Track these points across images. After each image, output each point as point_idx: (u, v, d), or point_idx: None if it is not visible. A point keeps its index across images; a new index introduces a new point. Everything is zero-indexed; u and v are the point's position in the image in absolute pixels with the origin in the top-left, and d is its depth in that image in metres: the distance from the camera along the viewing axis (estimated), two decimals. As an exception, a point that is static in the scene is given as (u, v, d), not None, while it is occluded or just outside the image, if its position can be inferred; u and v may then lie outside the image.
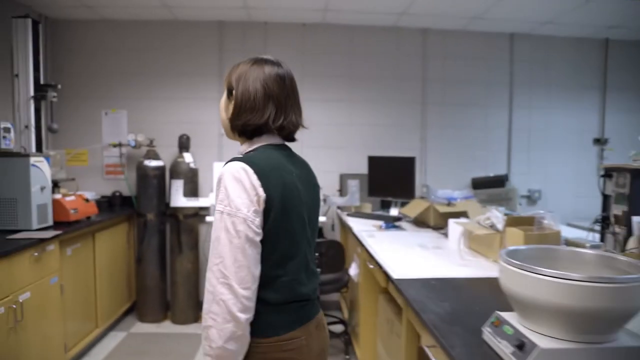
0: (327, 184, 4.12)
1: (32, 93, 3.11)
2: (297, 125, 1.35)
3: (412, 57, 4.40)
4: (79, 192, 3.85)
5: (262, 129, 1.28)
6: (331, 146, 4.35)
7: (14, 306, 2.35)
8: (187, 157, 3.94)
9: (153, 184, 3.90)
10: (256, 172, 1.17)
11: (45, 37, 3.88)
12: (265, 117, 1.25)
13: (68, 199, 3.19)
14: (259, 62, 1.30)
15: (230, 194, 1.15)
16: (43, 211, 2.92)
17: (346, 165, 4.35)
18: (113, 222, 3.76)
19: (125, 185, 4.15)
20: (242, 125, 1.27)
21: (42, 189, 2.90)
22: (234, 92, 1.27)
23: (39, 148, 3.21)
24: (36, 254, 2.58)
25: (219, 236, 1.14)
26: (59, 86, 3.20)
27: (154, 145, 4.00)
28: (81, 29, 4.12)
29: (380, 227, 3.22)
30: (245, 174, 1.16)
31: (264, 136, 1.30)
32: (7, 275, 2.34)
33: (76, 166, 4.15)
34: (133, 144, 3.93)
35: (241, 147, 1.33)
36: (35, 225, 2.83)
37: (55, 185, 3.20)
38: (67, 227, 3.05)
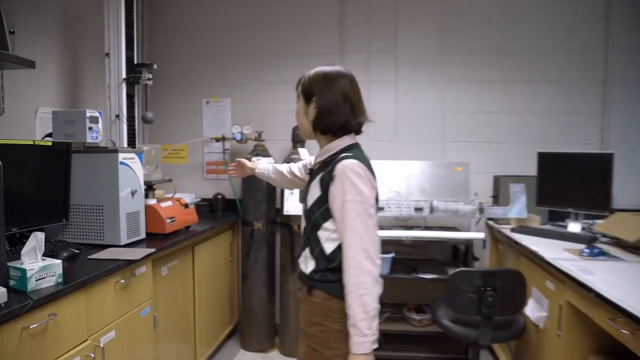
0: (477, 188, 3.15)
1: (124, 75, 2.52)
2: (365, 121, 1.54)
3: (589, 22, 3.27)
4: (177, 195, 3.27)
5: (345, 127, 1.47)
6: (479, 140, 3.36)
7: (92, 355, 1.71)
8: (303, 153, 3.18)
9: (261, 186, 3.21)
10: (367, 167, 1.43)
11: (140, 14, 3.33)
12: (346, 117, 1.46)
13: (164, 205, 2.57)
14: (330, 69, 1.50)
15: (358, 185, 1.37)
16: (134, 221, 2.30)
17: (502, 164, 3.34)
18: (215, 232, 3.11)
19: (230, 186, 3.51)
20: (329, 125, 1.47)
21: (133, 193, 2.28)
22: (314, 97, 1.47)
23: (131, 142, 2.63)
24: (123, 280, 1.94)
25: (356, 221, 1.36)
26: (155, 66, 2.58)
27: (262, 138, 3.31)
28: (180, 4, 3.54)
29: (580, 254, 2.21)
30: (362, 169, 1.40)
31: (345, 133, 1.49)
32: (86, 312, 1.71)
33: (173, 164, 3.59)
34: (239, 137, 3.26)
35: (332, 144, 1.49)
36: (124, 240, 2.22)
37: (150, 187, 2.59)
38: (162, 240, 2.42)
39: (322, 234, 1.45)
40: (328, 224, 1.44)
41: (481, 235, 2.87)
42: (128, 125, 2.59)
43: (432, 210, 2.94)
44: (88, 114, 2.25)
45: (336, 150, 1.47)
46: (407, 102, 3.39)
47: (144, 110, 2.58)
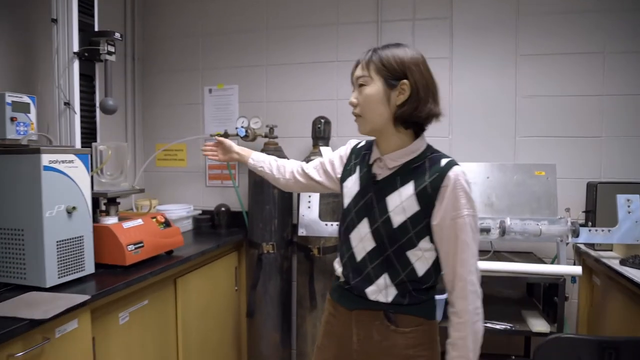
0: (564, 200, 2.27)
1: (75, 48, 1.85)
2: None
3: None
4: (164, 208, 2.59)
5: (430, 121, 1.25)
6: (565, 133, 2.45)
7: None
8: (326, 152, 2.42)
9: (272, 195, 2.47)
10: None
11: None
12: (438, 108, 1.24)
13: (128, 225, 1.88)
14: (407, 46, 1.24)
15: (472, 198, 1.19)
16: (72, 251, 1.61)
17: (599, 166, 2.42)
18: (211, 255, 2.40)
19: (235, 195, 2.80)
20: (420, 116, 1.21)
21: (70, 211, 1.59)
22: (406, 80, 1.19)
23: (88, 139, 1.95)
24: (23, 353, 1.25)
25: (472, 239, 1.18)
26: (118, 35, 1.89)
27: (274, 135, 2.57)
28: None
29: None
30: (467, 176, 1.21)
31: (423, 130, 1.28)
32: None
33: (170, 167, 2.92)
34: (243, 133, 2.53)
35: (415, 144, 1.25)
36: (52, 280, 1.53)
37: (112, 201, 1.91)
38: (122, 275, 1.73)
39: (412, 254, 1.23)
40: (423, 243, 1.23)
41: (578, 270, 2.00)
42: (84, 116, 1.92)
43: (504, 232, 2.09)
44: (9, 99, 1.58)
45: (420, 151, 1.26)
46: (466, 84, 2.53)
47: (105, 94, 1.90)
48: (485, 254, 2.32)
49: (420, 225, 1.21)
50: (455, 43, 2.53)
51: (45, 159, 1.51)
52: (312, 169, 1.54)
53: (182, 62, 2.87)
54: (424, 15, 2.55)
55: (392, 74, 1.19)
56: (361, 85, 1.24)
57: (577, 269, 1.99)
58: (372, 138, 1.35)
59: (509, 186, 2.26)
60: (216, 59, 2.82)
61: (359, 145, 1.43)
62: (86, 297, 1.46)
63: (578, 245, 2.36)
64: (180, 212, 2.65)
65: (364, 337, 1.28)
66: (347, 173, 1.39)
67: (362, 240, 1.27)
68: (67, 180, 1.59)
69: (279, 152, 2.53)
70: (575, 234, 2.07)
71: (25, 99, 1.65)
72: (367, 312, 1.28)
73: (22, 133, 1.64)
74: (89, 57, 1.90)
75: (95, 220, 1.85)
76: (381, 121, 1.23)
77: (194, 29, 2.84)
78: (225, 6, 2.79)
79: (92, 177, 1.88)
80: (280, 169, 1.60)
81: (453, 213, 1.17)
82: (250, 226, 2.57)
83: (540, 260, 2.32)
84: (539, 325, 2.03)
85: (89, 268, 1.69)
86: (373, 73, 1.21)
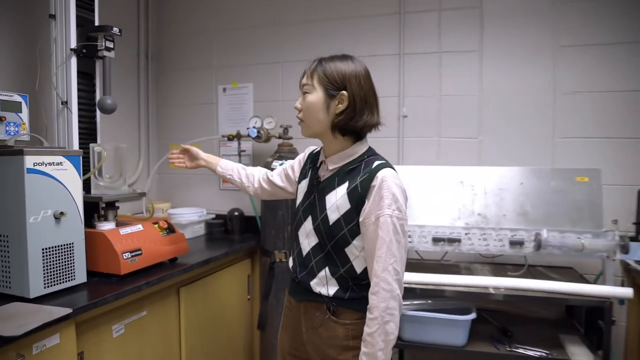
0: (611, 210, 2.00)
1: (73, 44, 1.75)
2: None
3: None
4: (176, 212, 2.49)
5: (370, 129, 1.33)
6: (613, 134, 2.18)
7: None
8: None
9: (284, 201, 2.31)
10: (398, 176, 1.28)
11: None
12: (376, 117, 1.32)
13: (126, 231, 1.76)
14: (351, 59, 1.32)
15: (398, 199, 1.23)
16: (61, 259, 1.50)
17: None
18: (222, 262, 2.27)
19: (249, 200, 2.66)
20: (357, 125, 1.29)
21: (58, 216, 1.49)
22: (345, 92, 1.27)
23: (87, 140, 1.85)
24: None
25: (391, 238, 1.21)
26: (116, 29, 1.78)
27: (289, 136, 2.42)
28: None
29: None
30: (400, 181, 1.27)
31: (364, 136, 1.35)
32: None
33: (183, 170, 2.81)
34: (254, 133, 2.39)
35: (352, 148, 1.33)
36: (36, 290, 1.43)
37: (110, 206, 1.80)
38: (116, 284, 1.62)
39: (350, 252, 1.30)
40: (357, 241, 1.29)
41: (628, 292, 1.74)
42: (83, 116, 1.82)
43: (539, 245, 1.86)
44: (-3, 97, 1.50)
45: (357, 155, 1.34)
46: (497, 80, 2.30)
47: (104, 92, 1.79)
48: (519, 268, 2.08)
49: (352, 223, 1.27)
50: (485, 35, 2.30)
51: (29, 160, 1.41)
52: (276, 175, 1.64)
53: (196, 60, 2.76)
54: (451, 4, 2.34)
55: (333, 84, 1.28)
56: (305, 93, 1.33)
57: (628, 291, 1.73)
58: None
59: (545, 194, 2.02)
60: (230, 56, 2.70)
61: (315, 151, 1.52)
62: (67, 311, 1.35)
63: (627, 262, 2.09)
64: (191, 216, 2.54)
65: (310, 328, 1.37)
66: (302, 176, 1.49)
67: (307, 236, 1.37)
68: (55, 183, 1.49)
69: (293, 154, 2.37)
70: (624, 249, 1.82)
71: (16, 97, 1.56)
72: (312, 304, 1.36)
73: (11, 133, 1.55)
74: (87, 54, 1.79)
75: (91, 225, 1.75)
76: (320, 127, 1.32)
77: (207, 25, 2.73)
78: (239, 1, 2.67)
79: (89, 180, 1.79)
80: (250, 177, 1.69)
81: (377, 212, 1.22)
82: (262, 233, 2.43)
83: (582, 278, 2.06)
84: (580, 353, 1.78)
85: (80, 277, 1.59)
86: (316, 82, 1.30)
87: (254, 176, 1.69)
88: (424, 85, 2.38)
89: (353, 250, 1.29)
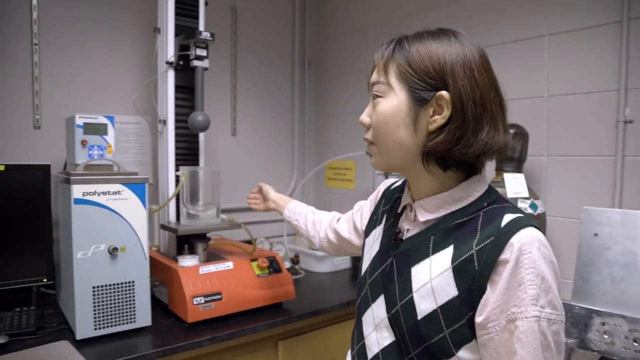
0: None
1: (169, 55, 1.60)
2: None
3: None
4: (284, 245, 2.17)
5: (486, 156, 0.78)
6: None
7: None
8: (513, 182, 1.50)
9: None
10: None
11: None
12: (504, 131, 0.79)
13: (207, 269, 1.51)
14: (454, 35, 0.79)
15: (551, 287, 0.69)
16: (115, 300, 1.34)
17: None
18: (340, 314, 1.81)
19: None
20: (476, 152, 0.75)
21: (113, 251, 1.32)
22: (447, 92, 0.74)
23: (186, 161, 1.68)
24: None
25: (540, 358, 0.67)
26: (207, 34, 1.54)
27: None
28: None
29: None
30: (549, 248, 0.72)
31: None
32: None
33: (337, 189, 2.47)
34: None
35: (460, 189, 0.80)
36: (85, 331, 1.29)
37: (201, 238, 1.58)
38: (185, 333, 1.39)
39: None
40: (467, 353, 0.73)
41: None
42: (181, 134, 1.66)
43: None
44: (79, 121, 1.44)
45: (470, 200, 0.79)
46: None
47: (201, 107, 1.57)
48: None
49: (459, 321, 0.72)
50: None
51: (78, 190, 1.28)
52: (344, 221, 1.22)
53: (351, 63, 2.37)
54: None
55: (424, 81, 0.76)
56: (376, 97, 0.82)
57: None
58: None
59: None
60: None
61: (393, 186, 1.04)
62: (83, 372, 1.15)
63: None
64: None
65: None
66: (372, 224, 1.01)
67: (378, 328, 0.86)
68: (112, 215, 1.33)
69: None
70: None
71: (101, 119, 1.48)
72: None
73: (94, 157, 1.47)
74: (184, 66, 1.62)
75: (175, 259, 1.56)
76: (402, 154, 0.80)
77: (364, 21, 2.29)
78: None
79: (163, 210, 1.61)
80: (316, 224, 1.30)
81: (512, 310, 0.68)
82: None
83: None
84: None
85: (143, 320, 1.40)
86: (394, 79, 0.80)
87: (321, 223, 1.30)
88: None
89: None
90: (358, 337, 0.92)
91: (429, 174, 0.81)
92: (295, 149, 2.50)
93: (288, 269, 1.72)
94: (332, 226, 1.27)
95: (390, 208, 0.97)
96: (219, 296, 1.48)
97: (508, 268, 0.68)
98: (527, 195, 1.51)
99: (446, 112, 0.75)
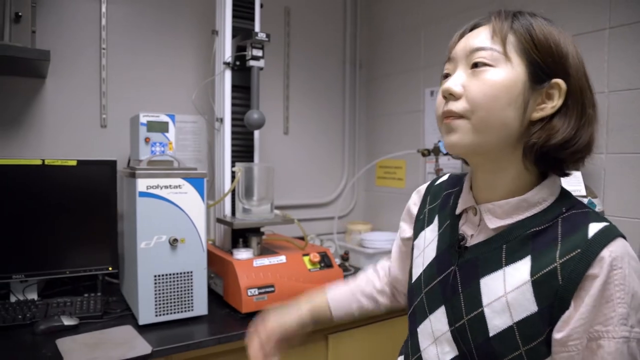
0: None
1: (227, 56, 1.66)
2: None
3: None
4: (368, 237, 2.19)
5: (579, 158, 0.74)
6: None
7: None
8: (571, 181, 1.45)
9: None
10: None
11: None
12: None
13: (261, 262, 1.55)
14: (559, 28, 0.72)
15: None
16: (174, 289, 1.41)
17: None
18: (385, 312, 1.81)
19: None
20: (582, 149, 0.71)
21: (173, 242, 1.39)
22: (564, 81, 0.69)
23: (241, 158, 1.74)
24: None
25: None
26: (263, 35, 1.58)
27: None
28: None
29: None
30: (638, 260, 0.66)
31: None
32: None
33: (387, 188, 2.46)
34: (445, 149, 1.82)
35: (540, 189, 0.72)
36: (147, 317, 1.37)
37: (255, 232, 1.63)
38: (238, 323, 1.44)
39: None
40: None
41: None
42: (238, 132, 1.72)
43: None
44: (143, 119, 1.52)
45: (545, 205, 0.72)
46: None
47: (257, 105, 1.62)
48: None
49: (537, 339, 0.67)
50: None
51: (142, 184, 1.35)
52: (377, 279, 1.09)
53: (402, 62, 2.35)
54: None
55: (545, 63, 0.69)
56: (478, 65, 0.70)
57: None
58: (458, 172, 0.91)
59: None
60: (439, 52, 2.17)
61: (437, 181, 0.95)
62: (146, 350, 1.22)
63: None
64: (383, 243, 2.15)
65: None
66: (419, 225, 0.91)
67: (438, 342, 0.78)
68: (173, 208, 1.40)
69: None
70: None
71: (163, 117, 1.56)
72: None
73: (156, 153, 1.56)
74: (240, 67, 1.67)
75: (230, 252, 1.62)
76: (501, 137, 0.70)
77: (415, 20, 2.27)
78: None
79: (218, 204, 1.67)
80: (365, 291, 1.07)
81: (595, 327, 0.63)
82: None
83: None
84: None
85: (200, 309, 1.46)
86: (512, 50, 0.70)
87: (364, 293, 1.07)
88: None
89: None
90: (413, 349, 0.86)
91: (515, 165, 0.73)
92: (345, 148, 2.51)
93: (338, 266, 1.74)
94: (370, 294, 1.07)
95: (440, 207, 0.89)
96: (272, 288, 1.52)
97: (597, 284, 0.63)
98: (584, 193, 1.46)
99: (557, 102, 0.69)
